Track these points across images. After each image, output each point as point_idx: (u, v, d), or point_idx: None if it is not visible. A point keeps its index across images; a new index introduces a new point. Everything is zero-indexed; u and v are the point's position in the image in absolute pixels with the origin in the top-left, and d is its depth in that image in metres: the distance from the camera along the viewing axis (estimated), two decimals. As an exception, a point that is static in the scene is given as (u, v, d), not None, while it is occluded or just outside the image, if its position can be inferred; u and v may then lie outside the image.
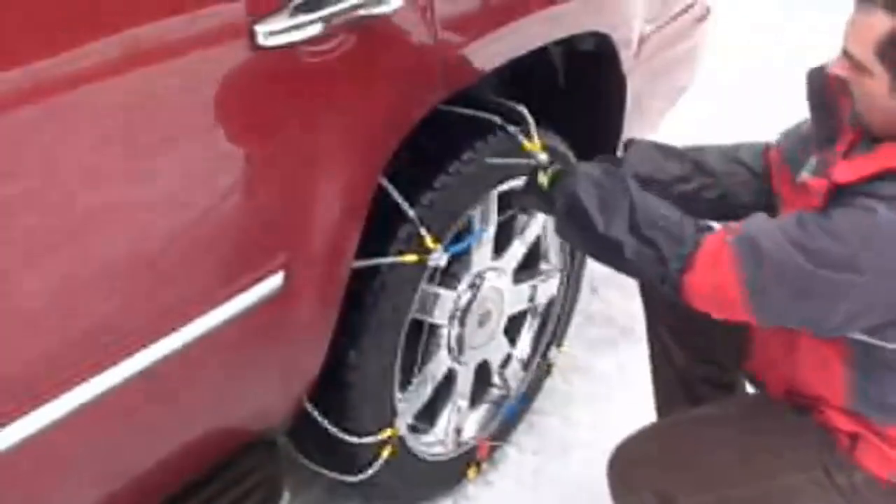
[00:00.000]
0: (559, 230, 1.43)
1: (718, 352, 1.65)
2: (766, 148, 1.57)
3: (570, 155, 1.86)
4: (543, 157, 1.53)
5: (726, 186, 1.55)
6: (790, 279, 1.24)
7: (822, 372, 1.39)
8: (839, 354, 1.35)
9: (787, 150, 1.50)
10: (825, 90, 1.39)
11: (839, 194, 1.25)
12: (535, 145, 1.65)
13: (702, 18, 2.38)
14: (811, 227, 1.24)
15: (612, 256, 1.35)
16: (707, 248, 1.28)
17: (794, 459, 1.41)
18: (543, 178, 1.43)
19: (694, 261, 1.28)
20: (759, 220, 1.31)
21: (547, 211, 1.48)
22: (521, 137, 1.64)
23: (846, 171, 1.26)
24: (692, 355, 1.70)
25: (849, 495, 1.39)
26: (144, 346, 1.09)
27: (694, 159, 1.58)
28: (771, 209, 1.46)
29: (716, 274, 1.27)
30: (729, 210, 1.54)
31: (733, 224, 1.32)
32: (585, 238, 1.37)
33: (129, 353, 1.08)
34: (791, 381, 1.46)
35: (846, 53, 1.26)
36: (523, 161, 1.57)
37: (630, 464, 1.51)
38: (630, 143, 1.63)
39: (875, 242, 1.20)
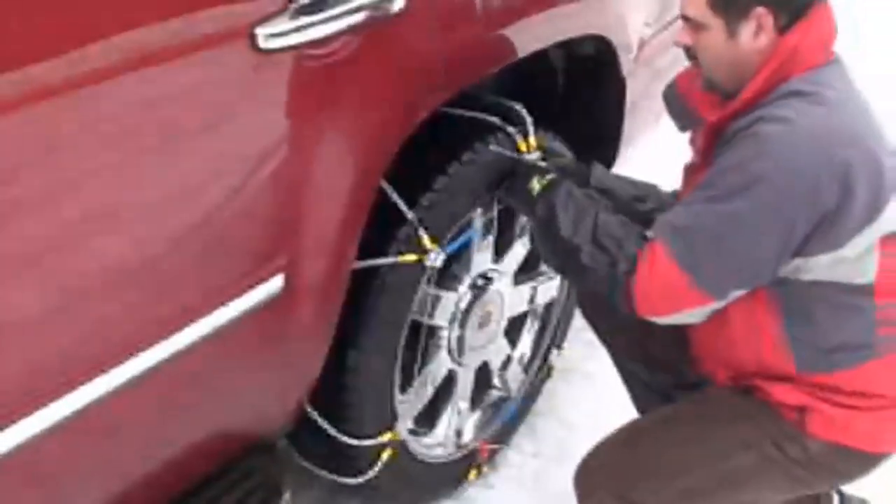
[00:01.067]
0: (534, 234, 1.50)
1: (673, 358, 1.68)
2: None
3: (571, 156, 1.86)
4: (542, 163, 1.59)
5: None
6: (714, 233, 1.31)
7: (754, 336, 1.42)
8: (763, 307, 1.39)
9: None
10: (679, 96, 1.57)
11: (720, 143, 1.36)
12: (534, 143, 1.66)
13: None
14: (707, 180, 1.33)
15: (573, 264, 1.42)
16: (642, 254, 1.36)
17: (743, 439, 1.43)
18: (536, 184, 1.51)
19: (636, 266, 1.35)
20: (670, 211, 1.40)
21: (528, 214, 1.56)
22: (519, 138, 1.65)
23: (715, 113, 1.38)
24: (653, 368, 1.76)
25: (808, 465, 1.41)
26: (144, 349, 1.09)
27: (647, 185, 1.66)
28: None
29: (655, 269, 1.33)
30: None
31: (654, 226, 1.39)
32: (554, 244, 1.46)
33: (130, 357, 1.08)
34: (729, 362, 1.49)
35: (685, 19, 1.40)
36: (525, 156, 1.62)
37: (588, 470, 1.54)
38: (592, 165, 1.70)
39: (764, 151, 1.27)
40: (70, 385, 1.03)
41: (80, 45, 0.94)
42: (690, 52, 1.42)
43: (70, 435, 1.05)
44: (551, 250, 1.48)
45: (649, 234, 1.37)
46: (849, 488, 1.68)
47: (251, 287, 1.21)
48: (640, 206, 1.60)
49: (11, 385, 0.99)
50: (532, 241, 1.58)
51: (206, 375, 1.23)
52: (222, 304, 1.18)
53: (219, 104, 1.10)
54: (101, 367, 1.05)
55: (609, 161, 2.07)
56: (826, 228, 1.28)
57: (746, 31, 1.33)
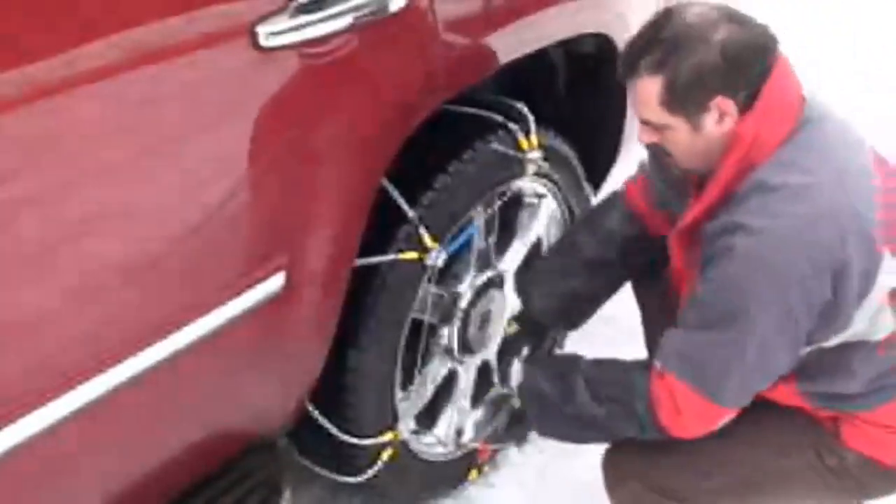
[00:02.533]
0: (540, 431, 1.54)
1: None
2: (630, 206, 1.64)
3: (572, 156, 1.86)
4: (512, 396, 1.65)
5: (630, 260, 1.63)
6: (722, 361, 1.29)
7: (772, 392, 1.41)
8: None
9: (657, 196, 1.59)
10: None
11: (703, 237, 1.33)
12: (535, 141, 1.65)
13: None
14: (699, 299, 1.32)
15: (595, 430, 1.44)
16: (657, 391, 1.34)
17: (787, 443, 1.42)
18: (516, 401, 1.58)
19: (656, 405, 1.34)
20: (670, 337, 1.37)
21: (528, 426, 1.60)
22: (521, 136, 1.65)
23: (691, 214, 1.36)
24: None
25: (841, 475, 1.40)
26: (144, 348, 1.09)
27: (583, 262, 1.66)
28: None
29: (680, 403, 1.33)
30: (655, 265, 1.61)
31: (658, 356, 1.37)
32: (566, 426, 1.47)
33: (131, 355, 1.08)
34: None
35: (643, 122, 1.36)
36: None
37: (620, 458, 1.51)
38: (526, 293, 1.74)
39: (749, 269, 1.25)
40: (71, 383, 1.03)
41: (81, 44, 0.94)
42: (656, 147, 1.38)
43: (71, 433, 1.05)
44: (566, 432, 1.50)
45: (656, 363, 1.36)
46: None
47: (252, 285, 1.21)
48: (609, 263, 1.62)
49: (13, 383, 0.99)
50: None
51: (207, 374, 1.23)
52: (223, 302, 1.18)
53: (219, 102, 1.10)
54: (101, 366, 1.05)
55: (611, 158, 2.07)
56: (830, 313, 1.27)
57: (709, 120, 1.29)
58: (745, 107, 1.27)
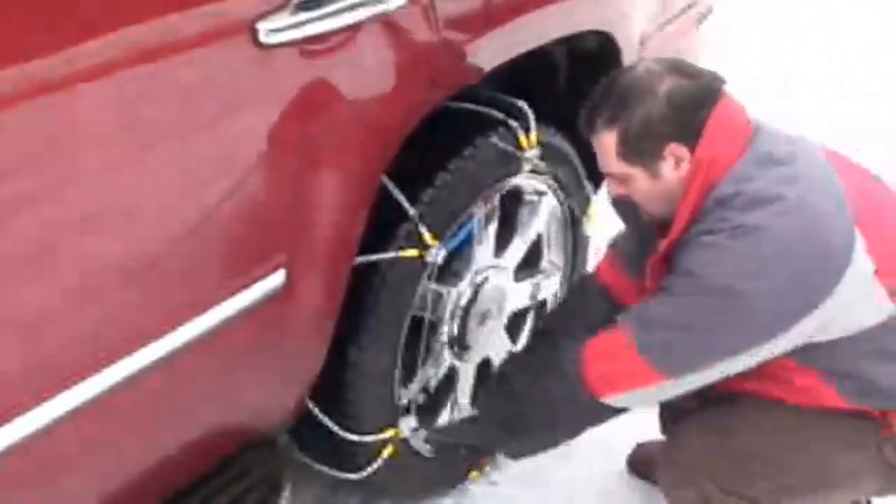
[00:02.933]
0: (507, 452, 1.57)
1: None
2: (602, 280, 1.72)
3: (573, 154, 1.86)
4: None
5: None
6: (678, 324, 1.34)
7: (808, 397, 1.43)
8: (805, 377, 1.41)
9: (626, 261, 1.67)
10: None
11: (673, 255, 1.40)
12: (534, 139, 1.65)
13: (702, 17, 2.38)
14: (667, 282, 1.38)
15: (538, 409, 1.48)
16: (596, 340, 1.42)
17: (851, 439, 1.43)
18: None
19: (583, 352, 1.41)
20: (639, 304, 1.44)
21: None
22: (521, 133, 1.65)
23: (665, 242, 1.42)
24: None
25: (892, 470, 1.41)
26: (146, 345, 1.09)
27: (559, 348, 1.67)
28: None
29: (611, 353, 1.39)
30: None
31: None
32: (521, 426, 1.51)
33: (131, 353, 1.08)
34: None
35: (608, 175, 1.46)
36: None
37: (679, 462, 1.53)
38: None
39: (715, 260, 1.31)
40: (71, 381, 1.03)
41: (82, 41, 0.94)
42: (624, 198, 1.48)
43: (72, 431, 1.05)
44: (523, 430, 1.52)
45: (618, 319, 1.42)
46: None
47: (252, 283, 1.21)
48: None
49: (10, 381, 0.99)
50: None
51: (207, 371, 1.23)
52: (223, 299, 1.17)
53: (219, 99, 1.10)
54: (101, 364, 1.05)
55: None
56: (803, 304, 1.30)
57: (666, 167, 1.38)
58: (695, 145, 1.36)
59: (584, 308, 1.74)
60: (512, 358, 1.78)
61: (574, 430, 1.52)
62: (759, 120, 1.43)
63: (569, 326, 1.72)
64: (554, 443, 1.54)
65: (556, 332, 1.73)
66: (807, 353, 1.36)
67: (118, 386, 1.07)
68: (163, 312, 1.11)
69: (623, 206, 1.54)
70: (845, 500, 1.57)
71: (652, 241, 1.50)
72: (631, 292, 1.63)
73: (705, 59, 2.52)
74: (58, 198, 0.97)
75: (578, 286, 1.85)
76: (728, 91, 1.40)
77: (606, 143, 1.40)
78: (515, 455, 1.58)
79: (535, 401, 1.48)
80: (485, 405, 1.65)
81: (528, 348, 1.81)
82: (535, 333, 1.87)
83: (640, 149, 1.37)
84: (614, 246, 1.74)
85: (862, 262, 1.30)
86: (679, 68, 1.38)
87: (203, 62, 1.07)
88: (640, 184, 1.41)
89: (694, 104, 1.36)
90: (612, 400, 1.41)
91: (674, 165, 1.37)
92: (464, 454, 1.79)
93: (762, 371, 1.36)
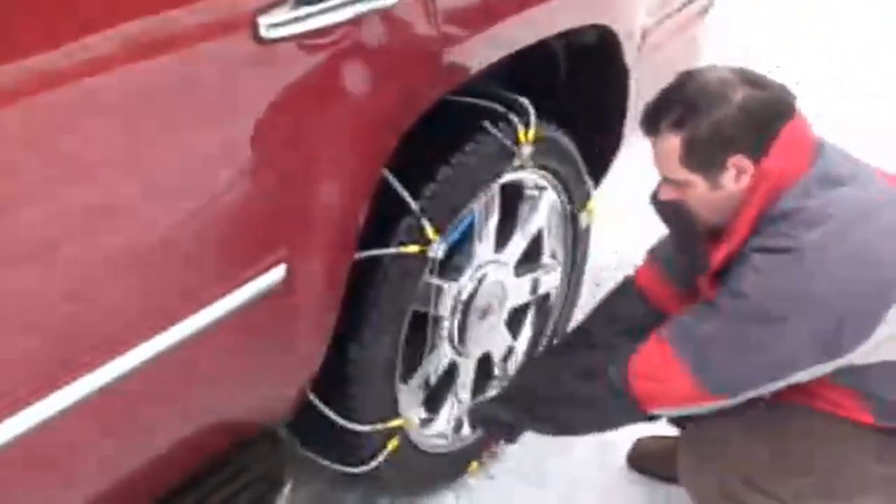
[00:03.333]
0: (531, 425, 1.61)
1: None
2: (640, 289, 1.72)
3: (573, 149, 1.86)
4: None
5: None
6: (731, 341, 1.34)
7: (838, 409, 1.43)
8: (843, 398, 1.41)
9: (667, 269, 1.67)
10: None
11: (732, 266, 1.38)
12: (532, 135, 1.65)
13: (703, 12, 2.38)
14: (719, 301, 1.36)
15: (576, 408, 1.51)
16: (642, 357, 1.41)
17: (883, 450, 1.42)
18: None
19: (630, 368, 1.40)
20: (681, 316, 1.43)
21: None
22: (521, 128, 1.64)
23: (721, 253, 1.40)
24: None
25: None
26: (146, 338, 1.09)
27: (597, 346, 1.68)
28: None
29: (661, 374, 1.38)
30: None
31: (663, 328, 1.44)
32: (551, 410, 1.55)
33: (132, 346, 1.08)
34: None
35: (665, 179, 1.43)
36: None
37: (717, 445, 1.51)
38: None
39: (768, 280, 1.31)
40: (72, 375, 1.02)
41: (82, 35, 0.93)
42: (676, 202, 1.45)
43: (73, 424, 1.05)
44: (553, 415, 1.55)
45: (661, 331, 1.41)
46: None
47: (253, 277, 1.21)
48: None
49: (13, 374, 0.99)
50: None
51: (208, 364, 1.23)
52: (224, 294, 1.17)
53: (220, 94, 1.10)
54: (102, 357, 1.05)
55: (612, 151, 2.06)
56: (857, 330, 1.29)
57: (728, 178, 1.35)
58: (760, 159, 1.33)
59: (621, 310, 1.73)
60: (550, 351, 1.78)
61: (610, 428, 1.56)
62: (821, 137, 1.40)
63: (606, 328, 1.72)
64: (590, 433, 1.59)
65: (593, 331, 1.73)
66: (843, 375, 1.35)
67: (118, 380, 1.07)
68: (165, 306, 1.11)
69: (667, 211, 1.51)
70: None
71: (694, 248, 1.48)
72: (668, 298, 1.62)
73: (704, 57, 2.53)
74: (59, 193, 0.96)
75: (617, 288, 1.82)
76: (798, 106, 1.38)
77: (669, 146, 1.36)
78: (547, 433, 1.61)
79: (577, 403, 1.49)
80: (524, 395, 1.63)
81: (565, 344, 1.82)
82: (573, 331, 1.87)
83: (704, 157, 1.34)
84: (654, 251, 1.72)
85: None
86: (751, 78, 1.35)
87: (203, 57, 1.06)
88: (698, 191, 1.38)
89: (768, 116, 1.33)
90: (659, 412, 1.44)
91: (735, 177, 1.35)
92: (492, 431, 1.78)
93: (801, 384, 1.36)
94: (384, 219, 1.45)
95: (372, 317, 1.48)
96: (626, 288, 1.76)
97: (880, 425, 1.40)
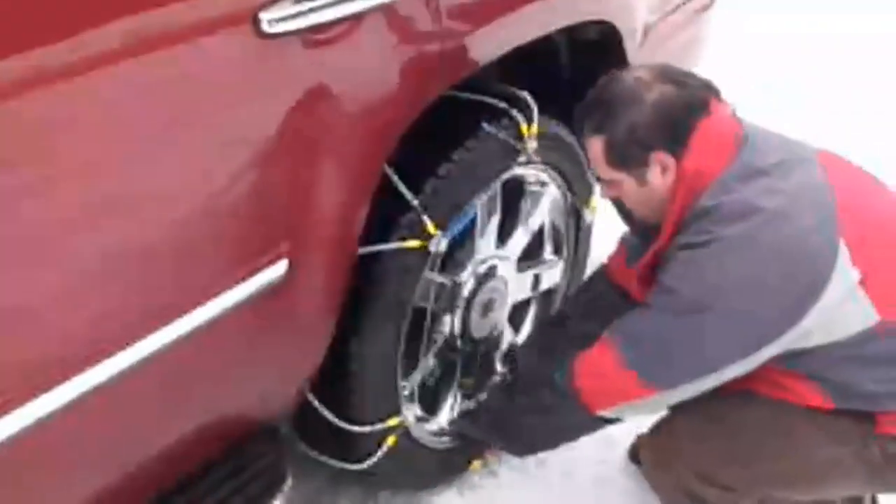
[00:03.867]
0: (508, 448, 1.67)
1: None
2: (611, 273, 1.78)
3: (575, 144, 1.86)
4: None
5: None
6: (665, 335, 1.37)
7: (787, 394, 1.44)
8: (793, 382, 1.42)
9: (632, 255, 1.70)
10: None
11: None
12: (535, 130, 1.66)
13: (705, 8, 2.37)
14: (653, 297, 1.41)
15: (537, 417, 1.54)
16: (587, 357, 1.45)
17: (835, 433, 1.42)
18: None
19: (574, 368, 1.45)
20: (624, 316, 1.46)
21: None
22: (523, 124, 1.64)
23: (651, 251, 1.48)
24: None
25: (884, 466, 1.41)
26: (147, 334, 1.09)
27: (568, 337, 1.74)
28: None
29: (601, 370, 1.42)
30: None
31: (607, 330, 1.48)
32: (518, 430, 1.59)
33: (132, 342, 1.08)
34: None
35: (598, 179, 1.52)
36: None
37: (663, 446, 1.54)
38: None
39: (694, 271, 1.35)
40: (72, 371, 1.02)
41: (81, 30, 0.93)
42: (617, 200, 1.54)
43: (74, 420, 1.05)
44: (520, 434, 1.59)
45: (605, 334, 1.45)
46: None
47: (255, 273, 1.21)
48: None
49: (17, 368, 0.99)
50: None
51: (209, 360, 1.23)
52: (226, 289, 1.17)
53: (222, 89, 1.09)
54: (103, 353, 1.05)
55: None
56: (788, 314, 1.31)
57: (653, 175, 1.41)
58: (681, 154, 1.38)
59: (596, 299, 1.77)
60: (519, 354, 1.83)
61: (569, 438, 1.58)
62: (753, 127, 1.43)
63: (582, 317, 1.78)
64: (553, 445, 1.60)
65: (570, 321, 1.79)
66: (790, 359, 1.37)
67: (119, 375, 1.07)
68: (166, 301, 1.11)
69: (621, 205, 1.57)
70: (831, 495, 1.56)
71: (650, 241, 1.52)
72: (636, 286, 1.63)
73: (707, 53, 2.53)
74: (60, 188, 0.96)
75: (591, 278, 1.88)
76: (721, 99, 1.41)
77: (595, 149, 1.44)
78: (518, 453, 1.65)
79: (535, 412, 1.53)
80: (484, 405, 1.72)
81: (540, 338, 1.86)
82: (549, 321, 1.92)
83: (626, 156, 1.40)
84: (624, 238, 1.77)
85: (845, 275, 1.31)
86: (669, 76, 1.40)
87: (205, 52, 1.06)
88: (628, 189, 1.45)
89: (680, 113, 1.37)
90: (605, 413, 1.44)
91: (660, 173, 1.40)
92: (473, 445, 1.83)
93: (750, 373, 1.38)
94: (386, 214, 1.45)
95: (373, 312, 1.48)
96: (599, 278, 1.81)
97: (829, 406, 1.41)
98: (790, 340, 1.32)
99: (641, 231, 1.60)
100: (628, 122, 1.38)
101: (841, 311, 1.32)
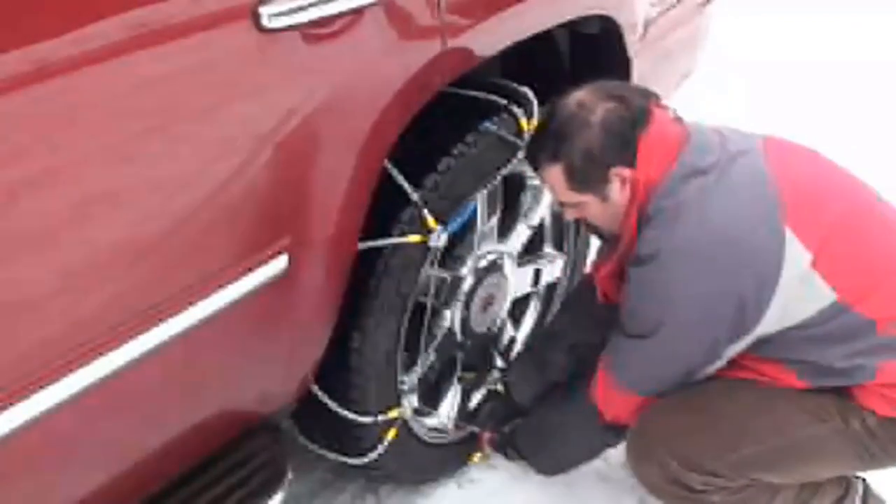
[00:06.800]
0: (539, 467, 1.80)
1: None
2: (597, 281, 1.77)
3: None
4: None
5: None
6: (642, 356, 1.51)
7: (765, 377, 1.49)
8: (766, 367, 1.48)
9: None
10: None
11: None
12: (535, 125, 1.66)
13: (705, 3, 2.37)
14: (621, 323, 1.52)
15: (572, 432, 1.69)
16: (593, 388, 1.59)
17: (812, 410, 1.45)
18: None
19: (591, 399, 1.59)
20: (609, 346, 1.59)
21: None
22: (523, 119, 1.64)
23: (614, 258, 1.56)
24: None
25: (866, 440, 1.43)
26: (149, 328, 1.09)
27: (566, 348, 1.83)
28: None
29: (613, 398, 1.56)
30: None
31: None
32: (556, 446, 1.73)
33: (133, 337, 1.08)
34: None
35: (561, 204, 1.56)
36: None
37: (647, 433, 1.56)
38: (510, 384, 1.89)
39: (649, 289, 1.44)
40: (74, 364, 1.03)
41: (81, 24, 0.93)
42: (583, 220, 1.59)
43: (75, 413, 1.05)
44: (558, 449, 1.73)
45: (600, 360, 1.59)
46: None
47: (255, 267, 1.21)
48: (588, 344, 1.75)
49: (16, 362, 0.99)
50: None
51: (210, 354, 1.24)
52: (227, 283, 1.17)
53: (222, 83, 1.10)
54: (106, 347, 1.05)
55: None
56: (742, 307, 1.37)
57: (614, 190, 1.46)
58: (635, 164, 1.43)
59: (584, 309, 1.80)
60: (513, 369, 1.89)
61: (596, 454, 1.73)
62: (697, 126, 1.48)
63: (573, 328, 1.82)
64: (575, 464, 1.75)
65: (564, 334, 1.84)
66: (760, 347, 1.43)
67: (122, 369, 1.07)
68: (167, 296, 1.11)
69: (589, 223, 1.61)
70: (821, 475, 1.58)
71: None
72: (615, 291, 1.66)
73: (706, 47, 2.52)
74: (63, 180, 0.96)
75: (577, 289, 1.93)
76: (661, 105, 1.46)
77: (554, 177, 1.48)
78: (545, 472, 1.77)
79: (562, 431, 1.69)
80: (518, 427, 1.80)
81: (537, 351, 1.89)
82: (543, 335, 1.93)
83: (587, 177, 1.45)
84: (601, 250, 1.80)
85: (796, 261, 1.35)
86: (609, 93, 1.44)
87: (205, 46, 1.06)
88: (592, 209, 1.50)
89: (627, 127, 1.41)
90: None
91: (619, 187, 1.45)
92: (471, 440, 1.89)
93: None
94: (386, 209, 1.45)
95: (374, 306, 1.48)
96: (585, 287, 1.83)
97: (805, 386, 1.45)
98: (762, 332, 1.39)
99: (612, 241, 1.63)
100: (582, 146, 1.42)
101: (798, 297, 1.37)
